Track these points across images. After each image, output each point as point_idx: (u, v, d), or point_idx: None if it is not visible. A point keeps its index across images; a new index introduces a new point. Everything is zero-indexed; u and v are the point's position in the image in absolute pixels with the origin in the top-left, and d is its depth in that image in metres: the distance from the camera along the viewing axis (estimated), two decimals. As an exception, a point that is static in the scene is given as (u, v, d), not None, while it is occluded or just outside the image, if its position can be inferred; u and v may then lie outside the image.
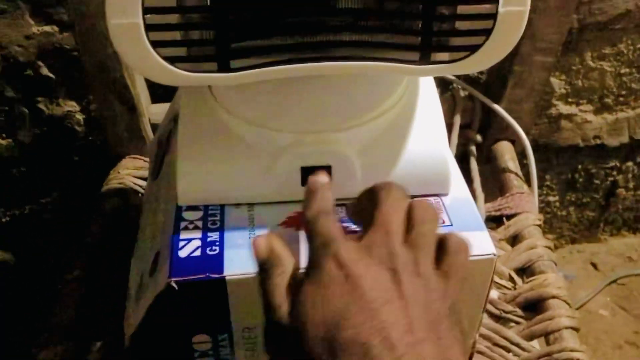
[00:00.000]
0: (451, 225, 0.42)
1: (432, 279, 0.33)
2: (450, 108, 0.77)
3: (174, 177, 0.44)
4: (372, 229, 0.34)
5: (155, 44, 0.34)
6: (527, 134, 0.74)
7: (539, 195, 1.07)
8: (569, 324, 0.57)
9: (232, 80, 0.36)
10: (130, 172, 0.69)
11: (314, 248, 0.34)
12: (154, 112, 0.71)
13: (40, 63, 0.77)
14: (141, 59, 0.35)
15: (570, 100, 0.95)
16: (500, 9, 0.34)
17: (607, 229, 1.19)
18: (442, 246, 0.35)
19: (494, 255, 0.41)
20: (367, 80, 0.42)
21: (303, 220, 0.36)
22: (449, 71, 0.36)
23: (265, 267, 0.35)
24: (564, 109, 0.96)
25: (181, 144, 0.44)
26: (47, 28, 0.75)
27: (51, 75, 0.78)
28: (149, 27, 0.34)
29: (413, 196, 0.44)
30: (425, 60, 0.36)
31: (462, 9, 0.34)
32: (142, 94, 0.69)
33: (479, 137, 0.78)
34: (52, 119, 0.82)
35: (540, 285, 0.59)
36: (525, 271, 0.62)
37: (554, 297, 0.58)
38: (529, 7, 0.34)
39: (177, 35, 0.35)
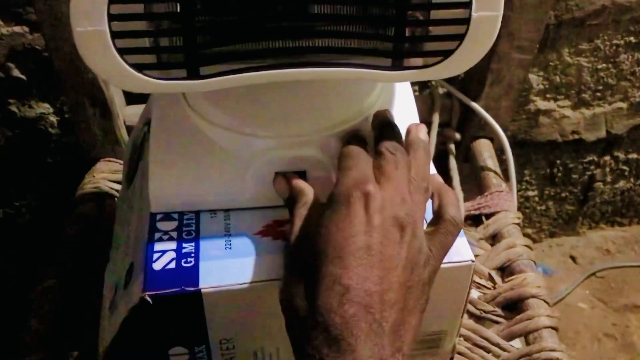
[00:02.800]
0: (428, 229, 0.42)
1: (424, 243, 0.36)
2: (428, 106, 0.76)
3: (146, 183, 0.43)
4: (389, 185, 0.36)
5: (122, 51, 0.34)
6: (505, 130, 0.74)
7: (518, 191, 1.08)
8: (549, 323, 0.57)
9: (201, 87, 0.35)
10: (106, 176, 0.68)
11: (346, 183, 0.36)
12: (128, 114, 0.70)
13: (10, 64, 0.76)
14: (108, 66, 0.34)
15: (548, 96, 0.96)
16: (474, 14, 0.34)
17: (586, 222, 1.20)
18: (436, 212, 0.39)
19: (472, 261, 0.41)
20: (342, 84, 0.41)
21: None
22: (422, 77, 0.36)
23: (291, 200, 0.40)
24: (542, 104, 0.97)
25: (153, 149, 0.43)
26: (17, 28, 0.73)
27: (22, 76, 0.77)
28: (115, 35, 0.33)
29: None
30: (398, 66, 0.35)
31: (435, 14, 0.34)
32: (116, 96, 0.68)
33: (457, 135, 0.78)
34: (24, 121, 0.81)
35: (519, 284, 0.59)
36: (504, 270, 0.62)
37: (533, 296, 0.59)
38: (502, 12, 0.34)
39: (145, 42, 0.34)
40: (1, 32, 0.73)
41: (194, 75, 0.35)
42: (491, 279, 0.61)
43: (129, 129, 0.70)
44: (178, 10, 0.33)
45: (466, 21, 0.34)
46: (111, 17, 0.32)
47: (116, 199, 0.65)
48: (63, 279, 0.57)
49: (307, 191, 0.40)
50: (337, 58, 0.35)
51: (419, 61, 0.36)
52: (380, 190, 0.36)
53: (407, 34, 0.35)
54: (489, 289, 0.60)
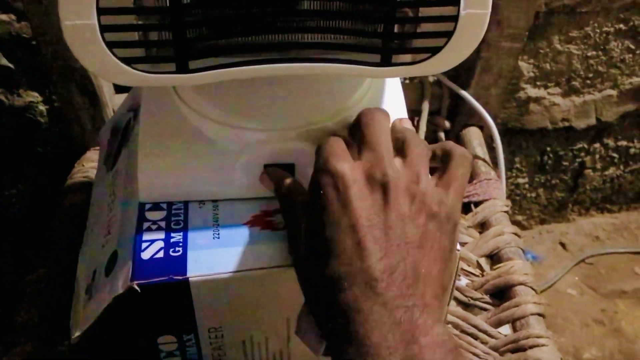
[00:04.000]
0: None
1: (430, 187, 0.35)
2: (418, 94, 0.76)
3: (134, 173, 0.43)
4: (365, 149, 0.36)
5: (112, 45, 0.34)
6: (495, 119, 0.74)
7: (509, 178, 1.08)
8: (535, 310, 0.57)
9: (191, 81, 0.35)
10: (95, 165, 0.68)
11: (314, 173, 0.36)
12: (117, 103, 0.70)
13: (-3, 53, 0.75)
14: (97, 60, 0.34)
15: (538, 83, 0.96)
16: (462, 12, 0.34)
17: (576, 209, 1.20)
18: (444, 158, 0.38)
19: (458, 250, 0.41)
20: (331, 79, 0.42)
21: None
22: (411, 73, 0.36)
23: (277, 197, 0.41)
24: (532, 92, 0.97)
25: (142, 140, 0.43)
26: (4, 16, 0.72)
27: (10, 65, 0.76)
28: (104, 28, 0.33)
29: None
30: (386, 62, 0.35)
31: (423, 11, 0.34)
32: (104, 84, 0.68)
33: (447, 124, 0.78)
34: (13, 110, 0.80)
35: (507, 272, 0.60)
36: (492, 258, 0.63)
37: (520, 284, 0.59)
38: (490, 10, 0.34)
39: (134, 35, 0.34)
40: (-12, 21, 0.73)
41: (183, 69, 0.35)
42: (479, 266, 0.61)
43: (119, 117, 0.70)
44: (167, 5, 0.33)
45: (454, 18, 0.34)
46: (100, 11, 0.32)
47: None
48: (53, 268, 0.57)
49: (291, 186, 0.40)
50: (327, 53, 0.35)
51: (407, 57, 0.36)
52: (348, 160, 0.35)
53: (395, 31, 0.35)
54: (477, 276, 0.61)
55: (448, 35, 0.35)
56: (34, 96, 0.80)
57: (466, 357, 0.42)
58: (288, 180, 0.40)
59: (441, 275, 0.35)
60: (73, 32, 0.33)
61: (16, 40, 0.74)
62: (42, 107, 0.81)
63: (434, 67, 0.36)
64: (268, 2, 0.33)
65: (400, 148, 0.37)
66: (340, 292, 0.33)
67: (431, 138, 0.78)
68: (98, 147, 0.70)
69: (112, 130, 0.53)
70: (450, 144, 0.38)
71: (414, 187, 0.35)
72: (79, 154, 0.70)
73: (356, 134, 0.37)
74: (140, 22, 0.34)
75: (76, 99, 0.67)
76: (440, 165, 0.38)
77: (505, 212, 0.67)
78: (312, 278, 0.35)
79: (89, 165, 0.68)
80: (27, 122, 0.82)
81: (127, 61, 0.34)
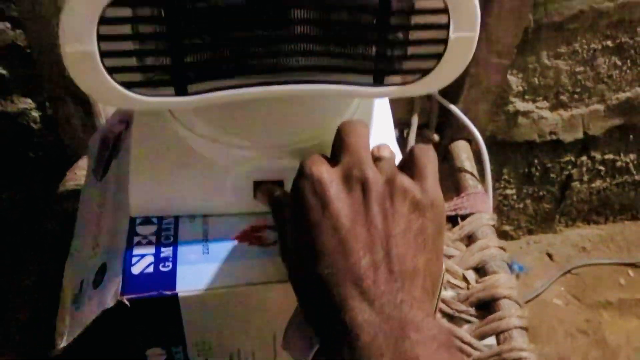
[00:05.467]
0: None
1: (407, 183, 0.35)
2: (408, 108, 0.77)
3: (125, 187, 0.43)
4: (344, 154, 0.36)
5: (111, 70, 0.34)
6: (483, 132, 0.75)
7: (497, 189, 1.09)
8: (519, 323, 0.58)
9: (189, 104, 0.36)
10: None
11: (297, 175, 0.36)
12: (110, 111, 0.70)
13: (-8, 60, 0.76)
14: (97, 85, 0.34)
15: (527, 97, 0.97)
16: (451, 35, 0.34)
17: (563, 220, 1.21)
18: (408, 158, 0.38)
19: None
20: (321, 98, 0.42)
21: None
22: (401, 93, 0.37)
23: (272, 212, 0.40)
24: (521, 105, 0.98)
25: (135, 154, 0.43)
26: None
27: (4, 72, 0.77)
28: (104, 54, 0.33)
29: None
30: (378, 83, 0.36)
31: (414, 35, 0.35)
32: (98, 93, 0.68)
33: (436, 137, 0.79)
34: (6, 116, 0.80)
35: (492, 285, 0.61)
36: (478, 271, 0.63)
37: (505, 297, 0.60)
38: (478, 33, 0.35)
39: (133, 61, 0.34)
40: (-17, 29, 0.73)
41: (181, 92, 0.35)
42: (465, 279, 0.62)
43: (112, 126, 0.70)
44: (165, 31, 0.33)
45: (444, 42, 0.35)
46: (100, 37, 0.32)
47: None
48: (44, 275, 0.57)
49: (280, 196, 0.40)
50: (320, 75, 0.36)
51: (398, 78, 0.37)
52: (325, 164, 0.36)
53: (387, 54, 0.35)
54: (462, 289, 0.61)
55: (438, 57, 0.35)
56: (27, 103, 0.80)
57: (458, 352, 0.41)
58: (278, 192, 0.41)
59: (430, 266, 0.34)
60: (74, 59, 0.33)
61: (11, 48, 0.74)
62: (35, 114, 0.81)
63: (424, 87, 0.37)
64: (263, 28, 0.34)
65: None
66: (328, 293, 0.33)
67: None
68: (90, 156, 0.70)
69: (101, 140, 0.53)
70: (409, 148, 0.39)
71: (393, 182, 0.35)
72: (71, 161, 0.70)
73: (336, 143, 0.38)
74: (138, 48, 0.34)
75: (69, 107, 0.67)
76: (408, 166, 0.38)
77: (491, 225, 0.67)
78: (301, 282, 0.35)
79: (81, 173, 0.68)
80: (20, 128, 0.82)
81: (127, 85, 0.34)
